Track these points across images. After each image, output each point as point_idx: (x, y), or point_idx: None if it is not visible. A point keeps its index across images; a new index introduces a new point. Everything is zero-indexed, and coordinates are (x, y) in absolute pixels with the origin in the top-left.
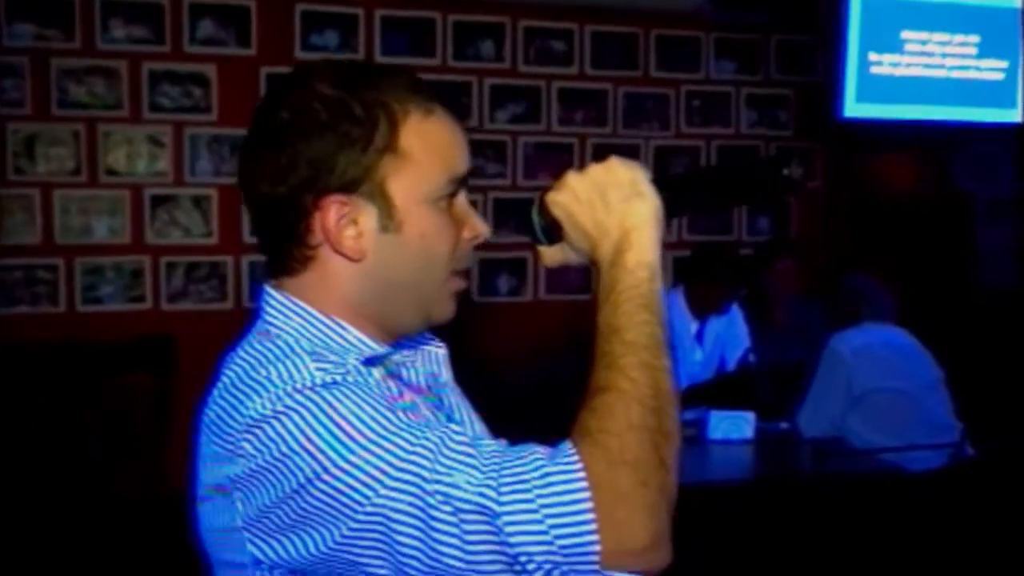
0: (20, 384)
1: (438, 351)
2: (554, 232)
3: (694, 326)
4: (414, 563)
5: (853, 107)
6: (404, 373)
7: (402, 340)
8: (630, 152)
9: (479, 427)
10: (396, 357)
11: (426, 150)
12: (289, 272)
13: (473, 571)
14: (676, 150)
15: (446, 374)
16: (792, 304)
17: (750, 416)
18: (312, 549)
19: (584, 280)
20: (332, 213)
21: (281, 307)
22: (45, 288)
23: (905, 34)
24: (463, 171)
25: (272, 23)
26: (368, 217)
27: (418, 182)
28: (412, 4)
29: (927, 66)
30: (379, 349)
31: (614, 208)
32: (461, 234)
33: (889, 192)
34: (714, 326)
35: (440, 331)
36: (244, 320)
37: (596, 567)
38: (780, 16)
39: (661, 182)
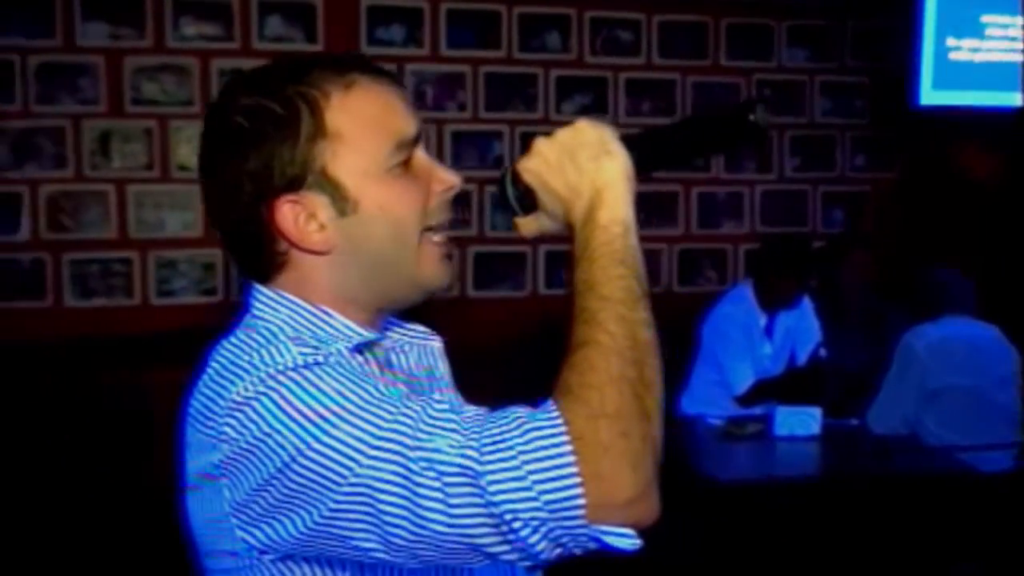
0: (98, 374)
1: (434, 344)
2: (528, 201)
3: (763, 319)
4: (401, 532)
5: (930, 94)
6: (394, 359)
7: (396, 329)
8: None
9: None
10: (385, 343)
11: (357, 124)
12: (267, 279)
13: (459, 535)
14: None
15: (442, 367)
16: (866, 298)
17: (817, 412)
18: (301, 527)
19: (653, 272)
20: (287, 214)
21: (269, 300)
22: (120, 281)
23: (986, 18)
24: (411, 133)
25: (338, 18)
26: (323, 207)
27: (359, 158)
28: None
29: (1008, 51)
30: (366, 335)
31: (584, 168)
32: (430, 190)
33: (968, 182)
34: (784, 320)
35: (534, 320)
36: None
37: (583, 521)
38: (855, 1)
39: (630, 139)
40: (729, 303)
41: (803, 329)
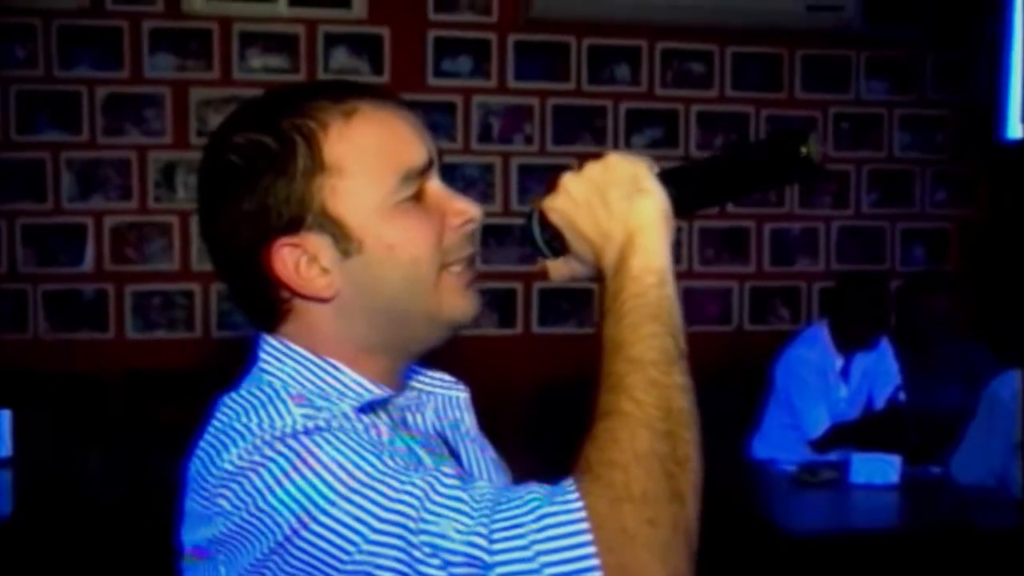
0: (158, 408)
1: (460, 395)
2: (557, 243)
3: (839, 361)
4: None
5: (1017, 127)
6: (410, 418)
7: (419, 379)
8: None
9: (497, 478)
10: (400, 400)
11: (359, 156)
12: (273, 329)
13: None
14: (823, 175)
15: (468, 420)
16: (948, 342)
17: (896, 460)
18: None
19: (724, 309)
20: (286, 258)
21: (276, 352)
22: (181, 314)
23: None
24: (419, 162)
25: (404, 50)
26: (325, 249)
27: (362, 192)
28: (546, 28)
29: None
30: (377, 393)
31: (615, 208)
32: (445, 223)
33: None
34: (861, 361)
35: None
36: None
37: None
38: (937, 31)
39: (667, 175)
40: (803, 344)
41: (881, 371)
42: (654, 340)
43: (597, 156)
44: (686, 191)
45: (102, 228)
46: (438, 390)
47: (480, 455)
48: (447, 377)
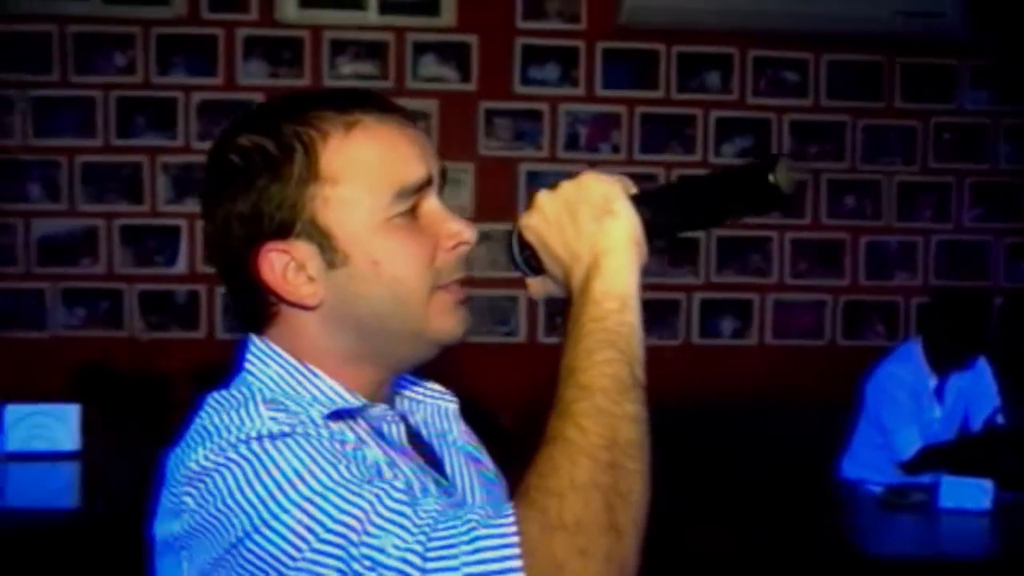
0: None
1: (449, 406)
2: (534, 261)
3: (933, 381)
4: None
5: None
6: (385, 428)
7: (409, 389)
8: (870, 189)
9: (480, 493)
10: (375, 411)
11: (354, 169)
12: (261, 331)
13: None
14: (923, 187)
15: (456, 430)
16: None
17: (989, 484)
18: None
19: (817, 324)
20: (273, 263)
21: (260, 353)
22: None
23: None
24: (416, 179)
25: (492, 57)
26: (312, 258)
27: (352, 206)
28: (635, 36)
29: None
30: (351, 402)
31: (584, 229)
32: (438, 244)
33: None
34: (957, 381)
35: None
36: (451, 356)
37: None
38: None
39: (642, 198)
40: (896, 361)
41: (979, 392)
42: (607, 367)
43: (686, 165)
44: (659, 215)
45: (195, 231)
46: (428, 400)
47: (465, 466)
48: (438, 388)
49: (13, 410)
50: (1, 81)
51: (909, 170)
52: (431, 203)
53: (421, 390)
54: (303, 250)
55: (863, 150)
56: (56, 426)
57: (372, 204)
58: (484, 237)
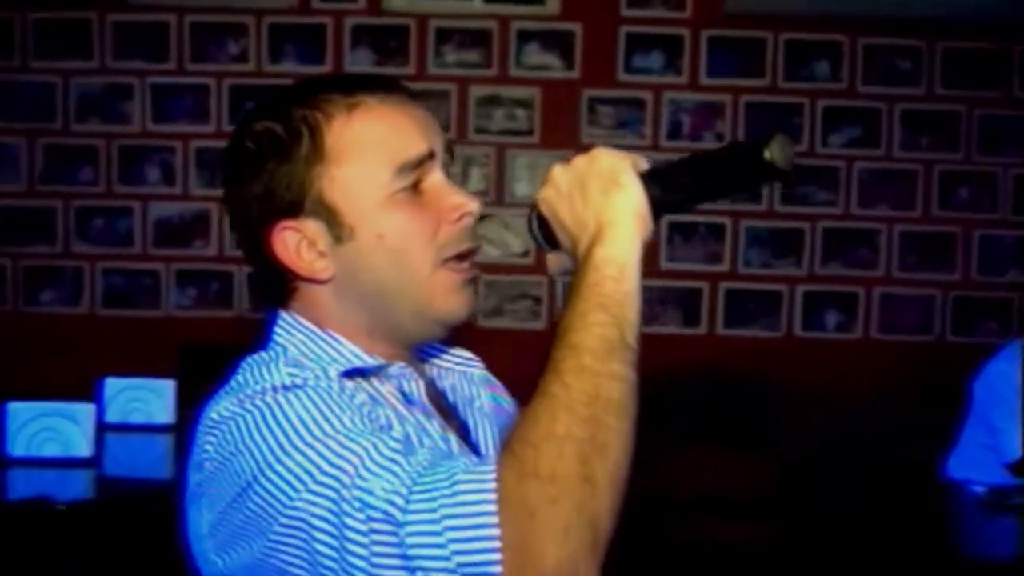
0: None
1: (475, 372)
2: (550, 234)
3: None
4: (330, 574)
5: None
6: (405, 386)
7: (437, 356)
8: (984, 181)
9: None
10: (392, 369)
11: (356, 147)
12: (284, 305)
13: None
14: None
15: (484, 395)
16: None
17: None
18: (250, 556)
19: (926, 319)
20: (287, 240)
21: (286, 325)
22: None
23: None
24: (416, 155)
25: (596, 45)
26: (320, 234)
27: (356, 182)
28: (741, 24)
29: None
30: (369, 362)
31: (592, 201)
32: (442, 217)
33: None
34: None
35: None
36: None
37: None
38: None
39: (651, 174)
40: (1005, 360)
41: None
42: (597, 328)
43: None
44: (666, 191)
45: None
46: (456, 368)
47: (490, 430)
48: (465, 353)
49: (112, 383)
50: (121, 69)
51: None
52: (434, 178)
53: (448, 357)
54: (313, 227)
55: (978, 141)
56: (153, 399)
57: (375, 180)
58: None
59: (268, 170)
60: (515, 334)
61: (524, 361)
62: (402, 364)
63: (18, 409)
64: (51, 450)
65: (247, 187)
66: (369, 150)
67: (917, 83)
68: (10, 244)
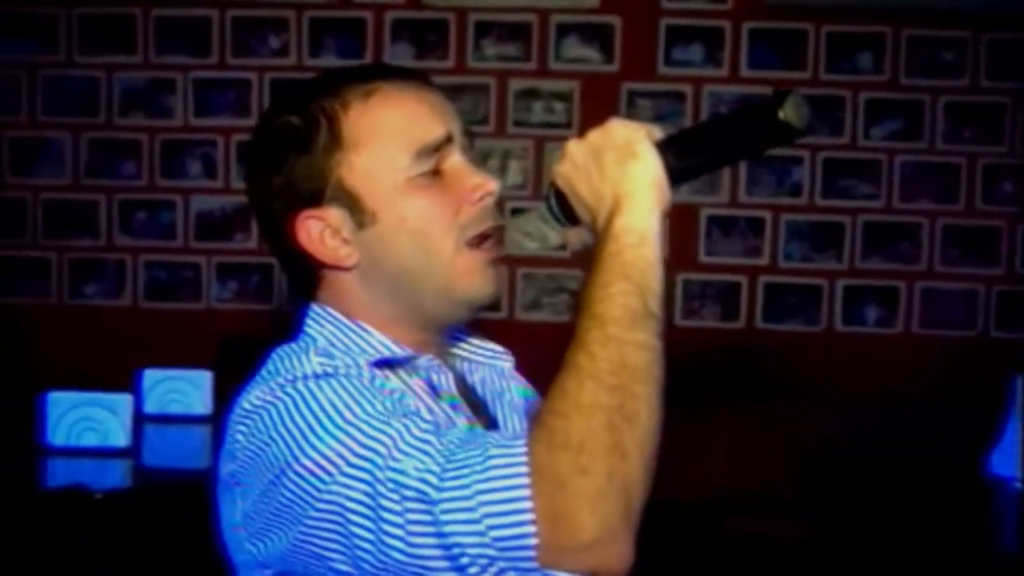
0: None
1: (504, 365)
2: (570, 211)
3: None
4: (368, 556)
5: None
6: (434, 378)
7: (465, 348)
8: None
9: None
10: (421, 362)
11: (374, 133)
12: (312, 297)
13: (418, 565)
14: None
15: (514, 389)
16: None
17: None
18: (287, 543)
19: (969, 314)
20: (310, 230)
21: (317, 316)
22: None
23: None
24: (434, 139)
25: (636, 38)
26: (344, 221)
27: (376, 167)
28: (783, 16)
29: None
30: (398, 353)
31: (608, 172)
32: (463, 198)
33: None
34: None
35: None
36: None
37: (534, 563)
38: None
39: (666, 143)
40: None
41: None
42: (620, 297)
43: (833, 148)
44: (682, 158)
45: None
46: (486, 361)
47: (520, 424)
48: (496, 347)
49: (150, 374)
50: (164, 64)
51: None
52: (453, 160)
53: (480, 351)
54: (335, 215)
55: (1023, 134)
56: (190, 391)
57: (394, 165)
58: None
59: (289, 162)
60: (553, 327)
61: (563, 354)
62: (431, 356)
63: (58, 398)
64: (89, 440)
65: (269, 180)
66: (387, 135)
67: (961, 75)
68: (55, 237)
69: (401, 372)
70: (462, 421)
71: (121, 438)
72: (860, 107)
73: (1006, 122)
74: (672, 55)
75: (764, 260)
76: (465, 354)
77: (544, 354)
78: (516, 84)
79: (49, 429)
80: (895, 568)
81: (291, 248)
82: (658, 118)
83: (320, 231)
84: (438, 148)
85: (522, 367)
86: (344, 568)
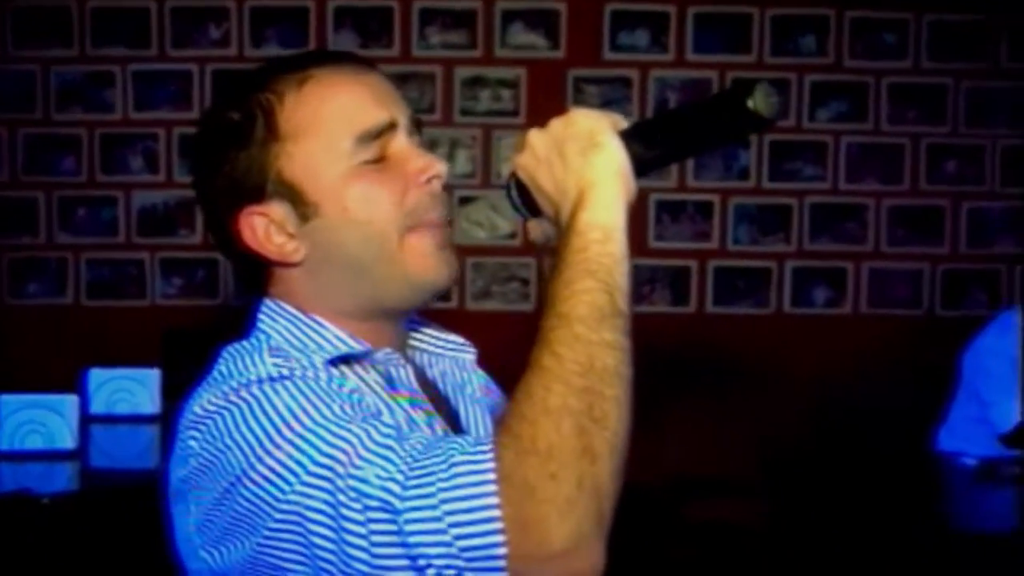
0: None
1: (467, 357)
2: (531, 202)
3: None
4: (330, 568)
5: None
6: (393, 372)
7: (427, 340)
8: (971, 153)
9: None
10: (379, 355)
11: (310, 122)
12: (264, 293)
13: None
14: None
15: (475, 382)
16: None
17: None
18: (244, 553)
19: (915, 293)
20: (254, 226)
21: (269, 311)
22: None
23: None
24: (374, 124)
25: (581, 24)
26: (286, 215)
27: (314, 157)
28: (728, 0)
29: None
30: (355, 347)
31: (571, 164)
32: (410, 181)
33: None
34: None
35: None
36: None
37: (502, 572)
38: None
39: (630, 132)
40: (996, 332)
41: None
42: (585, 296)
43: (778, 131)
44: (647, 148)
45: None
46: (447, 353)
47: (482, 418)
48: (458, 339)
49: (96, 374)
50: (102, 57)
51: (1015, 134)
52: (397, 145)
53: (441, 343)
54: (278, 209)
55: (965, 113)
56: (138, 389)
57: (334, 153)
58: None
59: (228, 159)
60: (504, 316)
61: (514, 343)
62: (388, 350)
63: (2, 402)
64: (35, 443)
65: (211, 178)
66: (324, 123)
67: (903, 56)
68: None
69: (358, 367)
70: (421, 416)
71: (68, 440)
72: (805, 89)
73: (948, 102)
74: (618, 40)
75: (713, 244)
76: (425, 346)
77: (496, 343)
78: (462, 72)
79: None
80: (850, 546)
81: (237, 246)
82: (605, 104)
83: (265, 227)
84: (380, 134)
85: (477, 357)
86: None
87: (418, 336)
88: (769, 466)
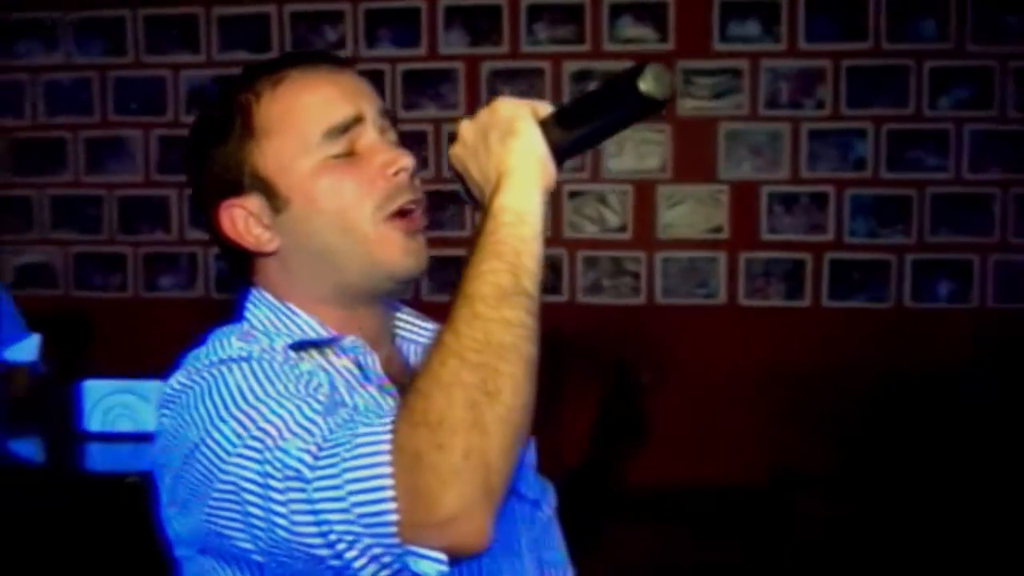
0: None
1: None
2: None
3: None
4: (260, 535)
5: None
6: (361, 359)
7: (406, 327)
8: None
9: None
10: (345, 343)
11: (281, 118)
12: (249, 283)
13: (300, 543)
14: None
15: None
16: None
17: None
18: (199, 520)
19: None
20: (233, 218)
21: (253, 300)
22: None
23: None
24: (341, 119)
25: (690, 15)
26: (261, 207)
27: (285, 152)
28: None
29: None
30: (322, 334)
31: (493, 151)
32: (377, 174)
33: None
34: None
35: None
36: (653, 318)
37: (396, 540)
38: None
39: (551, 118)
40: None
41: None
42: (490, 276)
43: (898, 119)
44: (564, 133)
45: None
46: (424, 339)
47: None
48: (436, 326)
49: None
50: (227, 61)
51: None
52: (366, 139)
53: (419, 329)
54: (254, 202)
55: None
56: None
57: (303, 148)
58: (685, 198)
59: (211, 155)
60: (614, 308)
61: (626, 336)
62: (354, 337)
63: (92, 387)
64: (124, 426)
65: (198, 173)
66: (295, 120)
67: None
68: (130, 232)
69: (329, 353)
70: (388, 402)
71: (152, 424)
72: (925, 76)
73: None
74: (728, 31)
75: (829, 236)
76: (408, 334)
77: (607, 336)
78: (571, 66)
79: (85, 416)
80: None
81: (221, 238)
82: (715, 95)
83: (244, 219)
84: (347, 128)
85: None
86: (246, 546)
87: (402, 324)
88: (885, 465)
